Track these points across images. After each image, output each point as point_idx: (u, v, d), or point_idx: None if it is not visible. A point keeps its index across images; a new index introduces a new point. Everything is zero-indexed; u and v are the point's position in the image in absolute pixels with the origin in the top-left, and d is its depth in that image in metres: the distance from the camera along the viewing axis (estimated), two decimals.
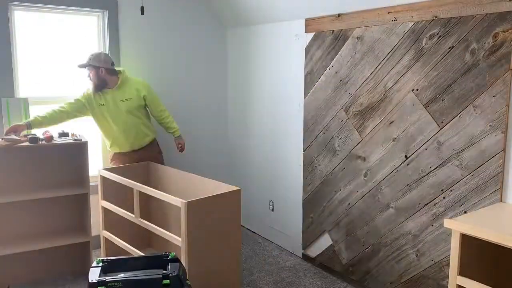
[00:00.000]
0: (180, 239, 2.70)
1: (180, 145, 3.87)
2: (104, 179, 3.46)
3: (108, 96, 3.54)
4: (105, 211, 3.48)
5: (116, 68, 3.60)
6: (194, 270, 2.68)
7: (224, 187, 3.06)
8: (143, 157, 3.74)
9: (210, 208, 2.77)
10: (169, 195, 2.87)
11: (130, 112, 3.59)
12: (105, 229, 3.51)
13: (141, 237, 3.66)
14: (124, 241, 3.30)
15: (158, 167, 3.69)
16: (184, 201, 2.64)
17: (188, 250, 2.67)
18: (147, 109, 3.74)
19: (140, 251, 3.14)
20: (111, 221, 3.50)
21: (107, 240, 3.51)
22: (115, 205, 3.36)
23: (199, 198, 2.74)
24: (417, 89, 2.75)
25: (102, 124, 3.61)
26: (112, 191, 3.49)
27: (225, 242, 2.88)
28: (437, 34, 2.60)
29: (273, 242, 4.12)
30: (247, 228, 4.45)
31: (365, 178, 3.15)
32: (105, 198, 3.48)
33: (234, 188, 2.97)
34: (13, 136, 3.16)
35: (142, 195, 3.09)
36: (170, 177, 3.54)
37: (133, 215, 3.11)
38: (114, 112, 3.56)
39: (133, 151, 3.70)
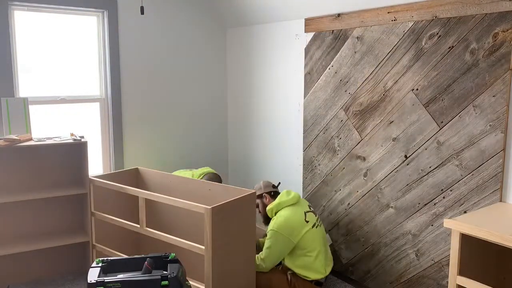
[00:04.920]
0: (203, 247, 2.57)
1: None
2: (94, 187, 3.30)
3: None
4: (96, 221, 3.33)
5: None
6: (217, 277, 2.60)
7: (223, 189, 3.05)
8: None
9: (231, 212, 2.67)
10: (190, 202, 2.71)
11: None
12: (97, 242, 3.34)
13: (133, 244, 3.57)
14: (120, 251, 3.18)
15: (147, 172, 3.56)
16: (208, 207, 2.51)
17: (213, 258, 2.55)
18: None
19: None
20: (104, 231, 3.35)
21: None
22: (103, 213, 3.24)
23: (222, 203, 2.62)
24: (417, 89, 2.75)
25: None
26: (99, 199, 3.35)
27: (243, 245, 2.80)
28: (437, 34, 2.60)
29: None
30: None
31: (365, 178, 3.15)
32: (96, 208, 3.31)
33: (250, 191, 2.86)
34: (13, 136, 3.16)
35: (132, 202, 2.95)
36: (160, 182, 3.43)
37: (138, 226, 2.96)
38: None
39: None
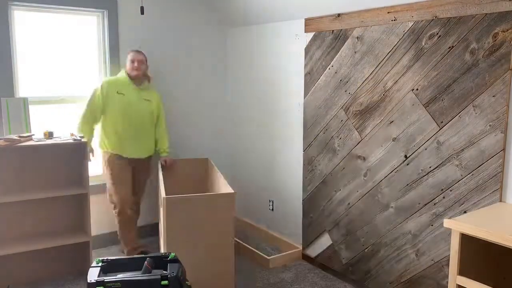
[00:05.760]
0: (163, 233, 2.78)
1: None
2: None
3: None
4: None
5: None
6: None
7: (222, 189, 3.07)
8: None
9: (196, 208, 2.78)
10: (163, 186, 2.98)
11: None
12: None
13: None
14: None
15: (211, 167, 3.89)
16: (165, 196, 2.70)
17: (168, 244, 2.73)
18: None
19: None
20: None
21: None
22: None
23: (182, 196, 2.77)
24: (417, 89, 2.75)
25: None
26: None
27: (217, 244, 2.88)
28: (437, 34, 2.60)
29: (272, 242, 4.11)
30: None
31: (365, 178, 3.14)
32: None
33: (227, 191, 2.93)
34: (13, 136, 3.16)
35: None
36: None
37: None
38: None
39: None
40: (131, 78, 3.60)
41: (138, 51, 3.66)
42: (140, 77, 3.64)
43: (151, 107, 3.70)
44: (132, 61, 3.59)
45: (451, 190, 2.61)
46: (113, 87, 3.54)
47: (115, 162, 3.59)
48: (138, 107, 3.61)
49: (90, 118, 3.52)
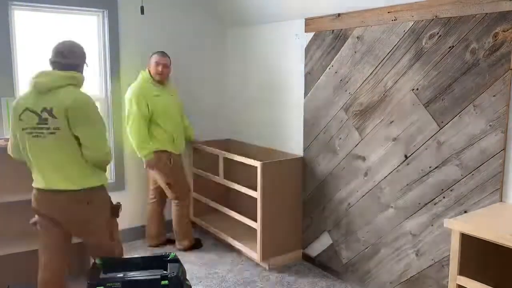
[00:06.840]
0: (257, 192, 3.46)
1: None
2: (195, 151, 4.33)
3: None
4: (195, 176, 4.33)
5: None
6: (267, 218, 3.50)
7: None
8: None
9: (279, 170, 3.53)
10: (248, 158, 3.63)
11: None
12: (194, 191, 4.31)
13: (222, 196, 4.36)
14: (211, 199, 4.19)
15: (238, 143, 4.46)
16: (260, 162, 3.41)
17: (263, 201, 3.45)
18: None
19: (225, 206, 4.01)
20: (200, 185, 4.35)
21: (195, 200, 4.35)
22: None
23: (270, 161, 3.54)
24: (417, 89, 2.75)
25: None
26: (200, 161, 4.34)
27: (288, 203, 3.64)
28: (437, 33, 2.60)
29: None
30: None
31: (365, 178, 3.14)
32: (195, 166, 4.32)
33: (297, 155, 3.68)
34: None
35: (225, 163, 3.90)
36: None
37: (218, 177, 3.95)
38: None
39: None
40: (155, 80, 3.67)
41: (163, 54, 3.71)
42: (163, 80, 3.73)
43: (177, 100, 3.87)
44: (157, 64, 3.64)
45: (451, 190, 2.61)
46: (148, 92, 3.60)
47: (173, 158, 3.75)
48: (172, 103, 3.76)
49: (145, 130, 3.61)
